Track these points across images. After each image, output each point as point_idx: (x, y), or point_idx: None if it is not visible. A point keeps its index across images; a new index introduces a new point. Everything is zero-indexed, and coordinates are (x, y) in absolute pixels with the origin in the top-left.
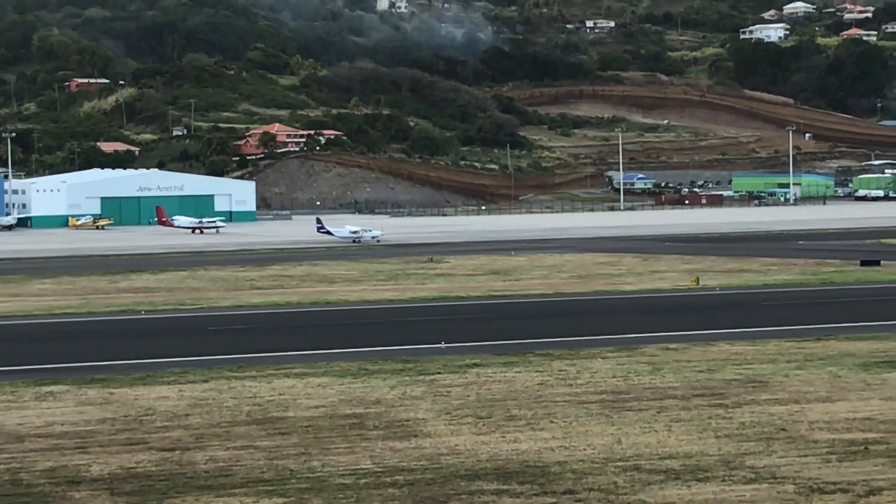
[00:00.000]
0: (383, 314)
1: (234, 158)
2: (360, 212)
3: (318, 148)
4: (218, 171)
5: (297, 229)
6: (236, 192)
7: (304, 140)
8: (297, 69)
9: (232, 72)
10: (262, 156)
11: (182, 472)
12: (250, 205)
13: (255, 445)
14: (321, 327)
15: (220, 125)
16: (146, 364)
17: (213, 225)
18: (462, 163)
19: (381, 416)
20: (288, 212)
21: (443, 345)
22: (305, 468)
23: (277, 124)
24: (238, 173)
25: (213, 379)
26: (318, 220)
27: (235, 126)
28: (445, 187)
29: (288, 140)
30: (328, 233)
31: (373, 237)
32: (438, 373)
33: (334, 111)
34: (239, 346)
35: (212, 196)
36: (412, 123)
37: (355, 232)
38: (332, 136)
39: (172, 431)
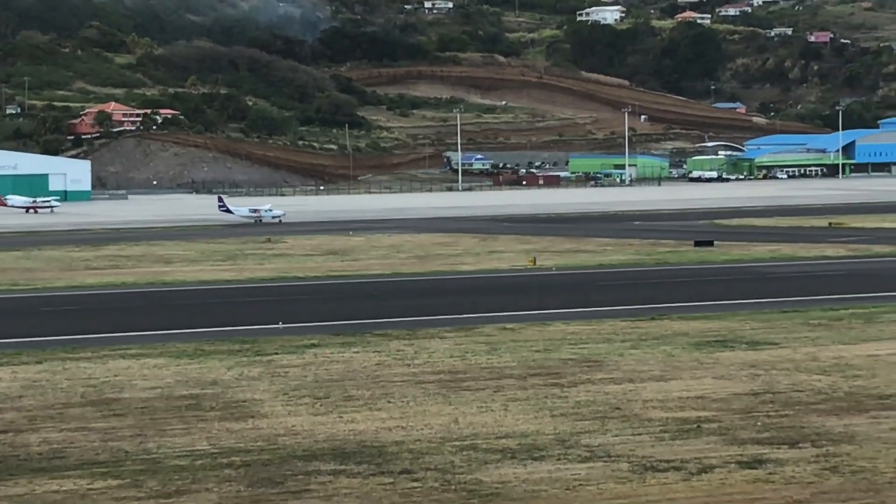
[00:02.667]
0: (220, 294)
1: (69, 137)
2: (197, 192)
3: (154, 127)
4: (52, 150)
5: (134, 209)
6: (71, 172)
7: (140, 119)
8: (133, 47)
9: (67, 50)
10: (98, 135)
11: (15, 455)
12: (85, 184)
13: (89, 427)
14: (157, 308)
15: (55, 104)
16: None
17: (47, 204)
18: (300, 143)
19: (218, 396)
20: (124, 191)
21: (280, 325)
22: (141, 450)
23: (113, 103)
24: (73, 152)
25: (46, 360)
26: (220, 199)
27: (70, 105)
28: (284, 167)
29: (124, 119)
30: (228, 211)
31: (273, 217)
32: (276, 353)
33: (171, 90)
34: (73, 326)
35: (46, 175)
36: (250, 103)
37: (255, 211)
38: (169, 116)
39: (5, 413)
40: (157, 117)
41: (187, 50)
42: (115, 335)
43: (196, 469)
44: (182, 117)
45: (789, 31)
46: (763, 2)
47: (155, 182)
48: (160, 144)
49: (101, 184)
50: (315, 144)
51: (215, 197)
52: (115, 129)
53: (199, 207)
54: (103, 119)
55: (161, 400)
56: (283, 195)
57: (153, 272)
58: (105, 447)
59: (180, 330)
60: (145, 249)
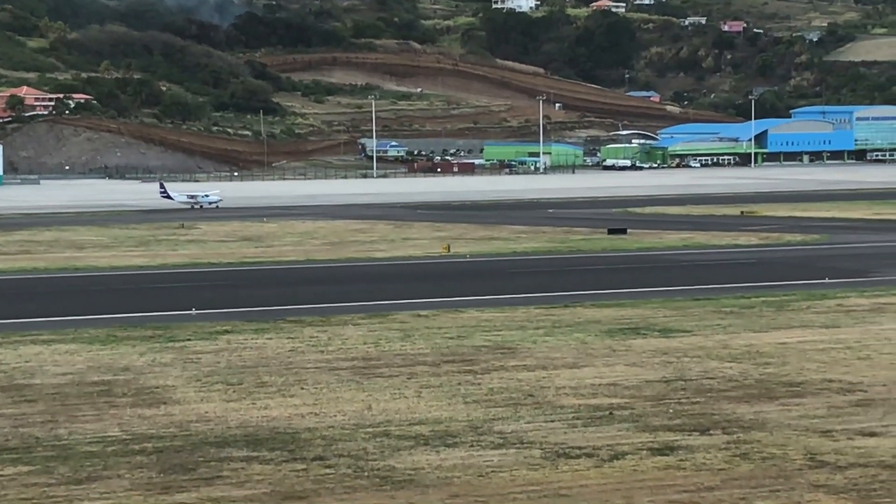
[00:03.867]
0: (133, 280)
1: None
2: (110, 177)
3: (67, 112)
4: None
5: (46, 194)
6: None
7: (52, 104)
8: (46, 31)
9: None
10: (10, 119)
11: None
12: None
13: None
14: (69, 294)
15: None
16: None
17: None
18: (214, 128)
19: (130, 383)
20: (36, 176)
21: (193, 311)
22: (52, 436)
23: (25, 87)
24: None
25: None
26: (161, 185)
27: None
28: (198, 153)
29: (36, 103)
30: (168, 197)
31: (210, 202)
32: (189, 339)
33: (84, 75)
34: None
35: None
36: (164, 88)
37: (193, 197)
38: (82, 100)
39: None
40: (70, 102)
41: (101, 34)
42: (27, 321)
43: (107, 455)
44: (95, 102)
45: (703, 21)
46: None
47: (67, 167)
48: (73, 129)
49: (13, 168)
50: (229, 130)
51: (128, 182)
52: (27, 114)
53: (111, 193)
54: (15, 103)
55: (72, 386)
56: (197, 181)
57: (65, 258)
58: (15, 433)
59: (92, 316)
60: (57, 235)
